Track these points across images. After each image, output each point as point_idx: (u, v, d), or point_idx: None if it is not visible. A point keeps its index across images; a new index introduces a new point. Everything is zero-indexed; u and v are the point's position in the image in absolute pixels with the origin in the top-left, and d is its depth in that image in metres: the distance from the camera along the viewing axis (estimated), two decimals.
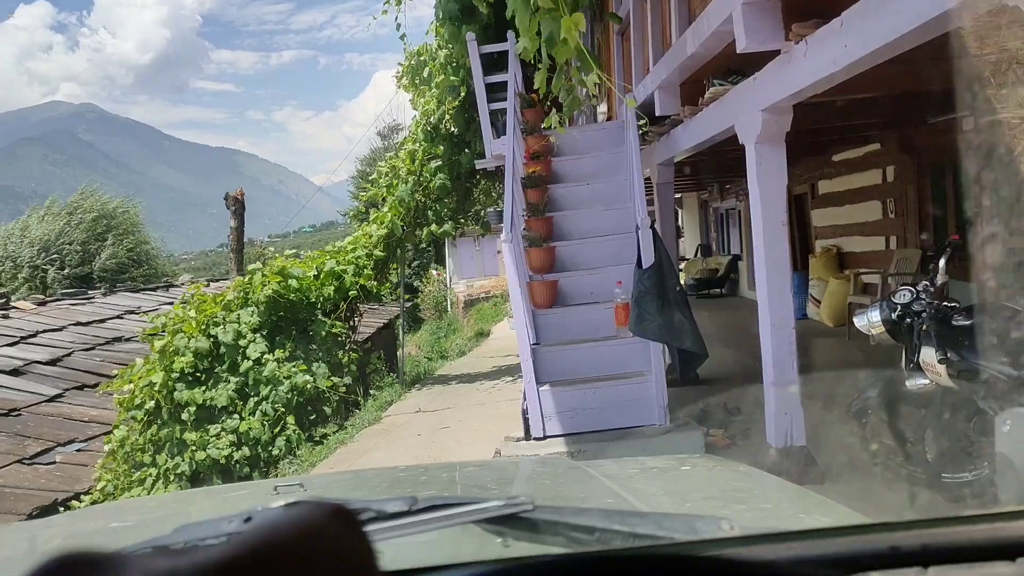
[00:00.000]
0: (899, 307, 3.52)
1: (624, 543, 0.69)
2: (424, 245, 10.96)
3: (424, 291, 28.07)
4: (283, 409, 8.13)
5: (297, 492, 1.32)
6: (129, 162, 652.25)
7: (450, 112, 8.57)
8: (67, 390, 9.62)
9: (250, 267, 8.92)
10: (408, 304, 28.30)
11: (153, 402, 8.28)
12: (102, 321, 13.56)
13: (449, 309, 26.87)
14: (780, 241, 4.23)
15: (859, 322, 3.77)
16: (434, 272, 29.89)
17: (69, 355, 10.89)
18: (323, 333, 8.83)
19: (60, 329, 12.21)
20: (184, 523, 0.83)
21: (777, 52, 3.94)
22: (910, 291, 3.54)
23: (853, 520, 1.05)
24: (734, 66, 4.78)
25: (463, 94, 8.43)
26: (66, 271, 23.43)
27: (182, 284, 18.43)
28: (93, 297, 16.14)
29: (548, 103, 6.72)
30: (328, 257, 9.13)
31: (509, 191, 5.70)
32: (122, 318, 14.12)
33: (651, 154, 7.21)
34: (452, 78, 8.42)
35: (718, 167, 12.32)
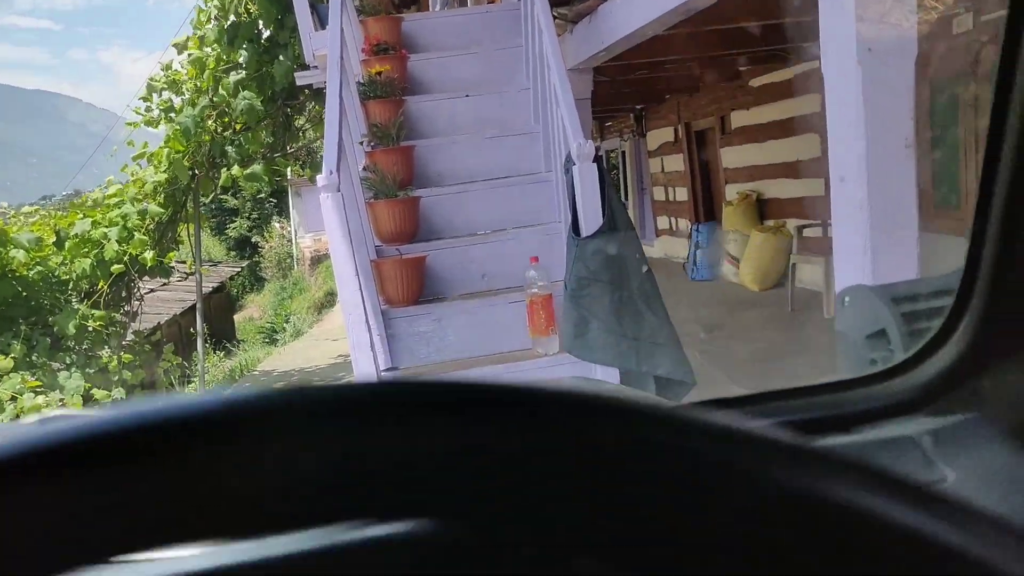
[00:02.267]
0: None
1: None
2: (222, 193, 8.01)
3: (266, 247, 25.71)
4: None
5: None
6: None
7: None
8: None
9: None
10: (247, 262, 25.22)
11: None
12: None
13: (295, 267, 24.81)
14: (903, 182, 1.98)
15: None
16: (277, 226, 27.46)
17: None
18: (72, 327, 5.94)
19: None
20: None
21: None
22: None
23: None
24: None
25: None
26: None
27: None
28: None
29: None
30: (79, 216, 6.14)
31: (335, 101, 3.18)
32: None
33: None
34: None
35: (606, 97, 10.10)
